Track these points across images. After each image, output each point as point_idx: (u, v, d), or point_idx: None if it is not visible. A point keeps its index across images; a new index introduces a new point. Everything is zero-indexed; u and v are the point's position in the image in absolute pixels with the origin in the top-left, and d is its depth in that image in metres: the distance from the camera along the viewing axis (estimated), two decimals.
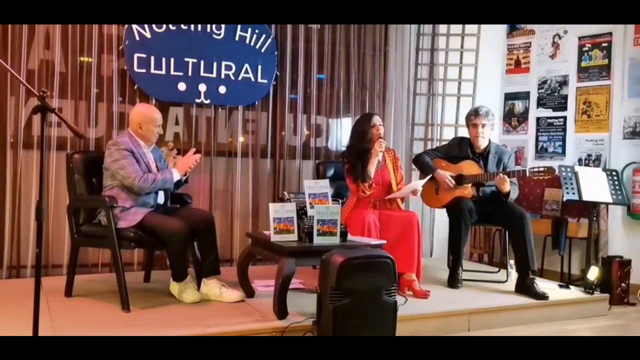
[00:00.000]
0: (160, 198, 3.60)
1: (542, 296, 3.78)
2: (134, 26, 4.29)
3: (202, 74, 4.52)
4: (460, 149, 4.25)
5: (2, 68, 3.76)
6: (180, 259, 3.38)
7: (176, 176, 3.50)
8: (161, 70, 4.38)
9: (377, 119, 3.98)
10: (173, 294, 3.44)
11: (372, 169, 3.90)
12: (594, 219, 4.34)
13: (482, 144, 4.18)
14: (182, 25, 4.44)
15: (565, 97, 5.18)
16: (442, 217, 4.67)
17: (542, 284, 4.00)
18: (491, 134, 4.25)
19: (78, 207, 3.50)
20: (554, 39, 5.27)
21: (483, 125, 4.14)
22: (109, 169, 3.41)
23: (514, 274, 4.06)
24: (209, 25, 4.54)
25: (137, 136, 3.51)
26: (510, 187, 3.99)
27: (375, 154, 3.89)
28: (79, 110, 4.19)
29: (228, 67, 4.62)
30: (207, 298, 3.42)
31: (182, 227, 3.29)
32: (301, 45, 4.91)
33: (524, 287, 3.88)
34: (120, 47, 4.30)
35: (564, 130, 5.17)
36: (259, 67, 4.73)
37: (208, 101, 4.57)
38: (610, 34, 4.85)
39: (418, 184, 3.93)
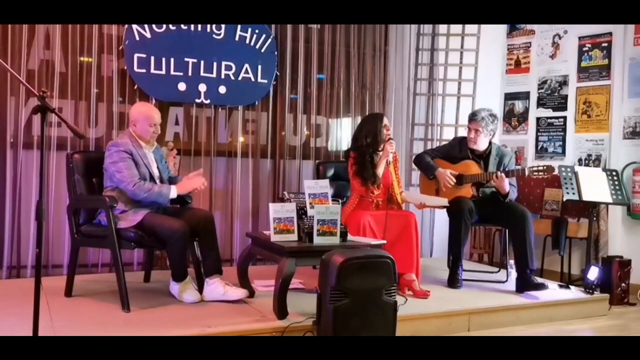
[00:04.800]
0: None
1: (542, 285, 3.80)
2: (134, 26, 4.29)
3: (202, 74, 4.52)
4: (460, 149, 4.25)
5: (2, 68, 3.76)
6: (180, 259, 3.37)
7: (173, 193, 3.44)
8: (161, 70, 4.38)
9: (386, 120, 3.98)
10: (173, 294, 3.44)
11: (381, 170, 3.89)
12: (594, 219, 4.34)
13: (476, 148, 4.16)
14: (182, 25, 4.44)
15: (565, 97, 5.17)
16: (442, 217, 4.67)
17: None
18: (492, 138, 4.23)
19: (78, 207, 3.50)
20: (554, 39, 5.26)
21: (476, 131, 4.12)
22: (108, 170, 3.41)
23: (514, 274, 4.06)
24: (209, 25, 4.53)
25: (135, 136, 3.51)
26: (509, 187, 3.99)
27: (386, 155, 3.88)
28: (79, 110, 4.19)
29: (228, 67, 4.61)
30: (210, 299, 3.38)
31: (182, 227, 3.28)
32: (301, 45, 4.91)
33: (523, 283, 3.88)
34: (120, 47, 4.30)
35: (564, 130, 5.17)
36: (259, 67, 4.73)
37: (208, 101, 4.57)
38: (610, 34, 4.85)
39: (443, 201, 3.97)
